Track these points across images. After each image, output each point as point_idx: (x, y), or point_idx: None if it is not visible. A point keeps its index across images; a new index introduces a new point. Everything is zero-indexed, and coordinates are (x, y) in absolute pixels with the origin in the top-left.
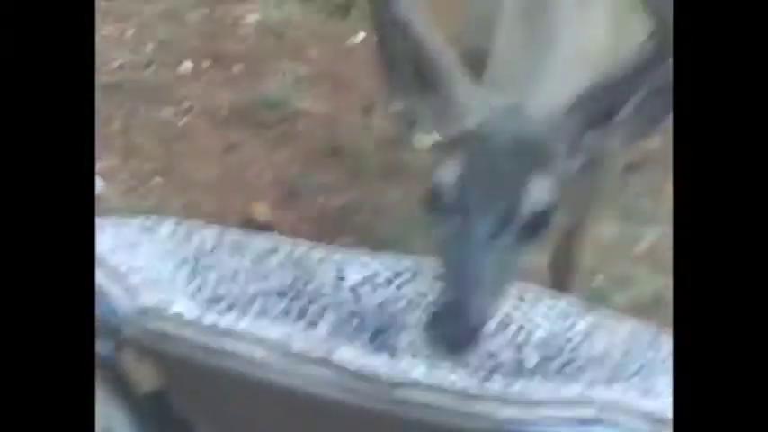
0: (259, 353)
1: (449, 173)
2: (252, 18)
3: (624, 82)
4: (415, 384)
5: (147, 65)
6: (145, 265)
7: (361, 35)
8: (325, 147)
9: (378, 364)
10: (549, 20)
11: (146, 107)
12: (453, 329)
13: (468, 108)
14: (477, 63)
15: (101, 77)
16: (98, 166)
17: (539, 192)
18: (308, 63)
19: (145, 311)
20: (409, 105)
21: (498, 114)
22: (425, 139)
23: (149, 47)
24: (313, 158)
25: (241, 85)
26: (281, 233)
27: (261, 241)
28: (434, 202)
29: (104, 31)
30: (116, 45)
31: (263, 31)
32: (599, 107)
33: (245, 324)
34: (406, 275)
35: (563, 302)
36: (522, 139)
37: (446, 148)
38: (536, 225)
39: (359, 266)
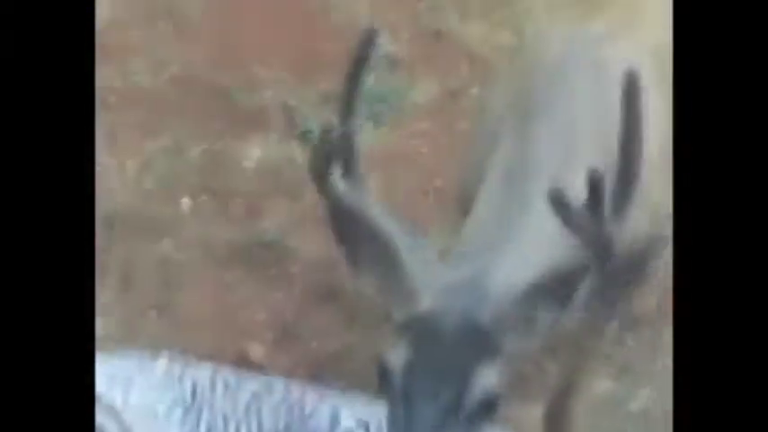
0: None
1: (396, 357)
2: (253, 155)
3: (573, 274)
4: None
5: (147, 199)
6: (140, 401)
7: None
8: (322, 289)
9: None
10: (528, 188)
11: (144, 241)
12: None
13: (420, 290)
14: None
15: (99, 211)
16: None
17: (486, 379)
18: (307, 204)
19: None
20: (372, 286)
21: (451, 295)
22: None
23: (149, 181)
24: (308, 301)
25: (239, 222)
26: (274, 374)
27: (255, 382)
28: (381, 385)
29: (104, 161)
30: (116, 177)
31: (263, 170)
32: (550, 294)
33: None
34: None
35: None
36: (472, 324)
37: (397, 330)
38: (482, 412)
39: (353, 412)
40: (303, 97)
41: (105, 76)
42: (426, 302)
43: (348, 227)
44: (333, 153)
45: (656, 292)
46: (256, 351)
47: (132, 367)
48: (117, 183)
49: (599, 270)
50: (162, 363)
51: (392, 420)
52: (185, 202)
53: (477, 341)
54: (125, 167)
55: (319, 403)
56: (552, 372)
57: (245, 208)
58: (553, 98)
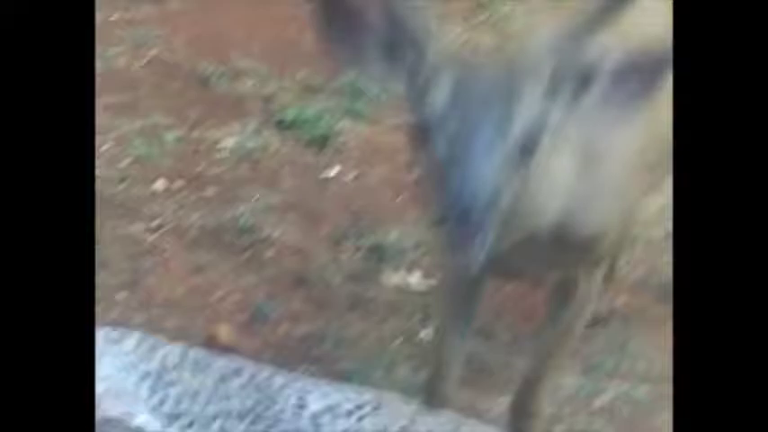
0: None
1: (435, 95)
2: (229, 142)
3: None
4: None
5: (121, 180)
6: (109, 375)
7: (337, 168)
8: (293, 276)
9: None
10: None
11: (116, 222)
12: (457, 231)
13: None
14: None
15: None
16: None
17: (528, 113)
18: (282, 192)
19: (107, 421)
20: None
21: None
22: (393, 277)
23: (125, 162)
24: (279, 286)
25: (213, 207)
26: (243, 357)
27: (224, 362)
28: (425, 126)
29: None
30: None
31: (238, 157)
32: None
33: None
34: (367, 408)
35: None
36: (505, 61)
37: (436, 70)
38: (529, 142)
39: (320, 396)
40: (281, 86)
41: None
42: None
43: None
44: None
45: (623, 291)
46: (225, 333)
47: (102, 342)
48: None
49: None
50: (132, 339)
51: (439, 158)
52: (160, 184)
53: (516, 82)
54: (99, 148)
55: (287, 387)
56: (520, 366)
57: (219, 193)
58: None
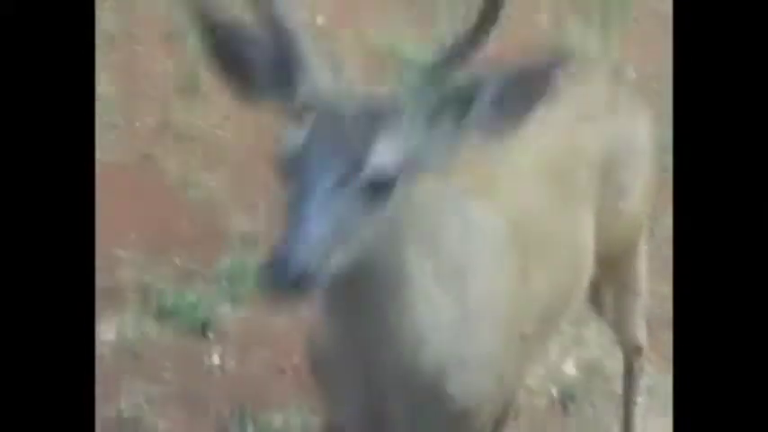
0: None
1: (296, 135)
2: (107, 337)
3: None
4: None
5: None
6: None
7: (216, 357)
8: None
9: None
10: None
11: None
12: (281, 278)
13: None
14: None
15: None
16: None
17: (380, 158)
18: (164, 383)
19: None
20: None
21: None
22: None
23: None
24: None
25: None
26: None
27: None
28: (278, 165)
29: None
30: None
31: (119, 350)
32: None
33: None
34: None
35: None
36: (371, 104)
37: (301, 109)
38: (375, 189)
39: None
40: (159, 274)
41: None
42: (329, 81)
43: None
44: None
45: None
46: None
47: None
48: None
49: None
50: None
51: (289, 196)
52: None
53: (376, 121)
54: None
55: None
56: None
57: (102, 390)
58: None
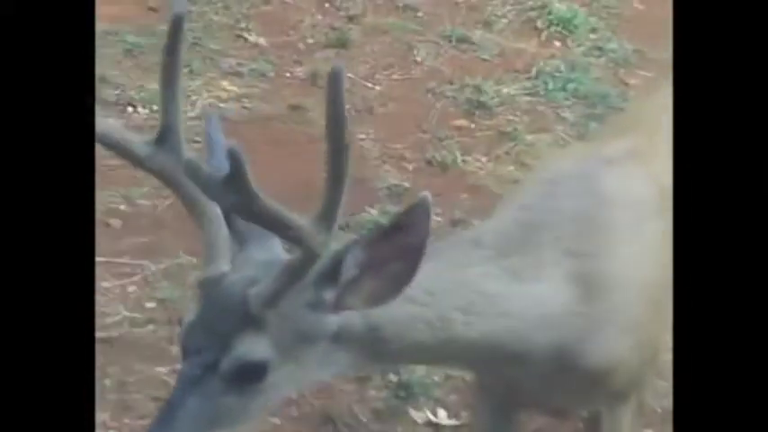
0: None
1: (189, 314)
2: None
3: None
4: None
5: (147, 322)
6: None
7: None
8: (320, 415)
9: None
10: None
11: (142, 365)
12: None
13: (219, 258)
14: None
15: (99, 332)
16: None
17: (246, 347)
18: None
19: None
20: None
21: (240, 269)
22: (419, 415)
23: (149, 304)
24: (307, 425)
25: None
26: None
27: None
28: (179, 340)
29: (106, 284)
30: (117, 300)
31: None
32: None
33: None
34: None
35: None
36: (242, 297)
37: (197, 289)
38: (238, 377)
39: None
40: None
41: (107, 200)
42: (219, 268)
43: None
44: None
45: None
46: None
47: None
48: (117, 306)
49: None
50: None
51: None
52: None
53: (244, 313)
54: (126, 289)
55: None
56: None
57: None
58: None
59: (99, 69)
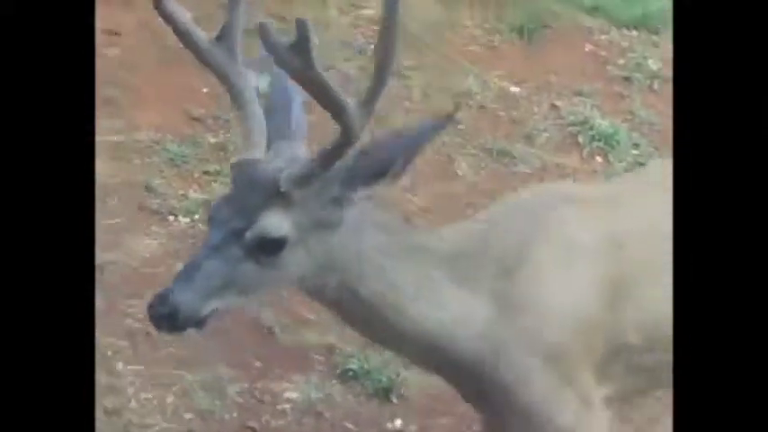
0: None
1: (220, 195)
2: (291, 395)
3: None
4: None
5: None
6: None
7: (399, 422)
8: None
9: None
10: None
11: None
12: (163, 314)
13: (255, 145)
14: None
15: None
16: None
17: (269, 221)
18: None
19: None
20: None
21: (277, 158)
22: None
23: (188, 416)
24: None
25: None
26: None
27: None
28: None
29: (145, 394)
30: (156, 411)
31: (301, 410)
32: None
33: None
34: None
35: None
36: (272, 177)
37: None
38: (259, 248)
39: None
40: (343, 337)
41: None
42: (254, 155)
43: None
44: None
45: None
46: None
47: None
48: (155, 416)
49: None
50: None
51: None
52: None
53: (274, 191)
54: (165, 400)
55: None
56: None
57: None
58: None
59: (142, 177)
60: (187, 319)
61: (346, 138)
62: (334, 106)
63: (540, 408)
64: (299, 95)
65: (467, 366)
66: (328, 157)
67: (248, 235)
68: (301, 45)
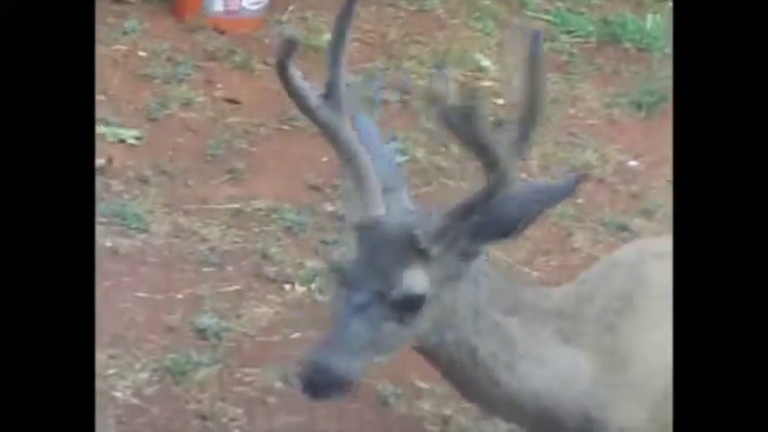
0: None
1: (348, 252)
2: None
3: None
4: None
5: None
6: None
7: None
8: None
9: None
10: None
11: None
12: (314, 378)
13: (375, 202)
14: None
15: None
16: None
17: (414, 279)
18: None
19: None
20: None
21: (397, 212)
22: None
23: None
24: None
25: None
26: None
27: None
28: (332, 273)
29: None
30: None
31: None
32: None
33: None
34: None
35: None
36: (407, 234)
37: (353, 231)
38: (404, 306)
39: None
40: (460, 408)
41: (267, 375)
42: (377, 212)
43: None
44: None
45: None
46: None
47: None
48: None
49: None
50: None
51: (336, 302)
52: None
53: (412, 249)
54: None
55: None
56: None
57: None
58: None
59: (259, 245)
60: (341, 380)
61: (495, 188)
62: (488, 160)
63: None
64: (391, 141)
65: (571, 425)
66: (467, 209)
67: (393, 294)
68: (470, 111)
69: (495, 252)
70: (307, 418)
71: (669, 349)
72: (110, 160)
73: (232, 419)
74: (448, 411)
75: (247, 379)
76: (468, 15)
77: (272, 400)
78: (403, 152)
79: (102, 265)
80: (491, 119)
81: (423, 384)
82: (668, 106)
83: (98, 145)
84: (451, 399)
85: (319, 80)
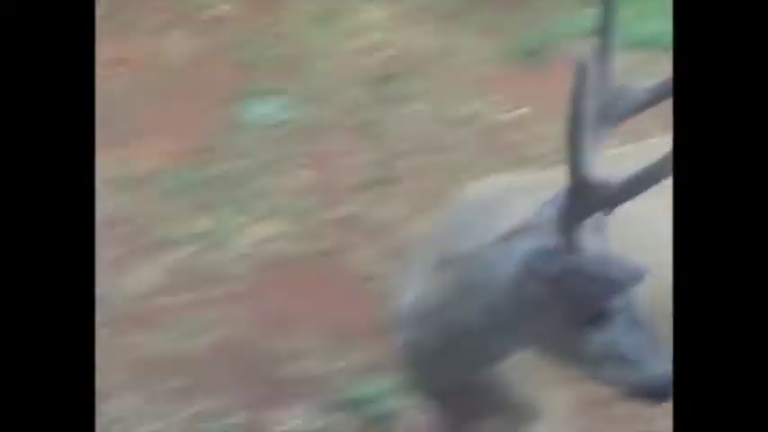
0: None
1: None
2: (291, 424)
3: None
4: None
5: None
6: None
7: None
8: None
9: None
10: None
11: None
12: None
13: None
14: None
15: None
16: None
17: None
18: None
19: None
20: None
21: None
22: None
23: None
24: None
25: None
26: None
27: None
28: None
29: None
30: None
31: None
32: None
33: None
34: None
35: None
36: None
37: None
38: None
39: None
40: (342, 367)
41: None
42: None
43: None
44: None
45: None
46: None
47: None
48: None
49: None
50: None
51: None
52: None
53: None
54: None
55: None
56: None
57: None
58: None
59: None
60: None
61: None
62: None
63: None
64: None
65: None
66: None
67: None
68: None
69: None
70: None
71: None
72: None
73: None
74: (332, 369)
75: None
76: None
77: None
78: None
79: None
80: None
81: (306, 341)
82: (553, 54)
83: None
84: (334, 358)
85: None
